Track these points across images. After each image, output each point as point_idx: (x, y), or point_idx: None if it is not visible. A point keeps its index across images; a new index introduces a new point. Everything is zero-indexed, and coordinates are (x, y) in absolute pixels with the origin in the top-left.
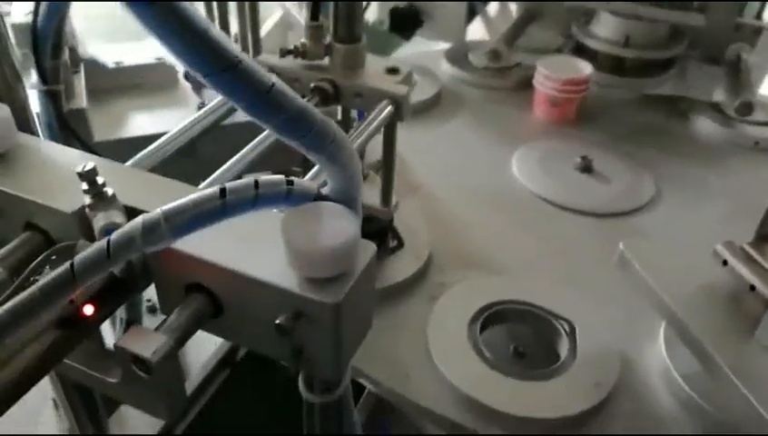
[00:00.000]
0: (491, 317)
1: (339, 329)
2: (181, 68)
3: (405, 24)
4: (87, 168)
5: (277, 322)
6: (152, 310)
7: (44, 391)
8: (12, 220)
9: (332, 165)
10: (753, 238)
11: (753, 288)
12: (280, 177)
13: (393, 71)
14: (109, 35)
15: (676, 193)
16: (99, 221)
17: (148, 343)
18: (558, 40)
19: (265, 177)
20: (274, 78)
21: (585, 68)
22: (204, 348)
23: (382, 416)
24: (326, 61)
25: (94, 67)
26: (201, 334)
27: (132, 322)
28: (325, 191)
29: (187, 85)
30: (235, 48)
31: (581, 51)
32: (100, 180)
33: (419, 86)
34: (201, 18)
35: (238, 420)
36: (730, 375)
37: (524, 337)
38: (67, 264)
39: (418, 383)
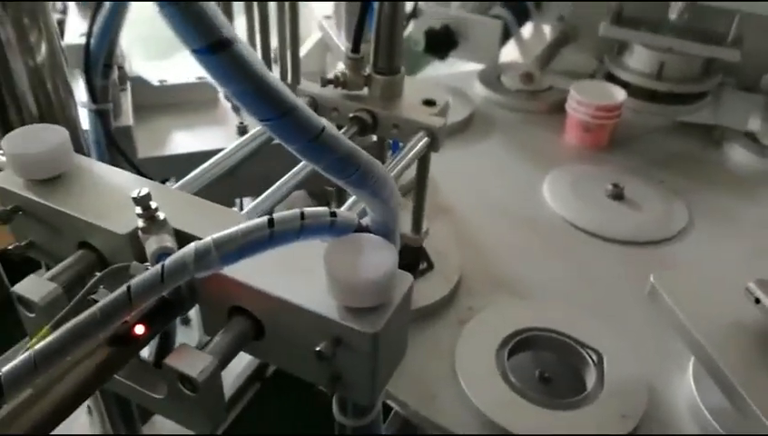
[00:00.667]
0: (519, 344)
1: (377, 357)
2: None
3: (440, 45)
4: (142, 193)
5: (317, 349)
6: (184, 321)
7: None
8: (67, 238)
9: (374, 200)
10: None
11: None
12: (325, 209)
13: (430, 103)
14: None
15: (708, 223)
16: (151, 245)
17: (195, 363)
18: (592, 64)
19: (310, 209)
20: (324, 122)
21: (619, 94)
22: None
23: None
24: (365, 91)
25: (140, 85)
26: None
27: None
28: (365, 222)
29: (227, 105)
30: (291, 95)
31: (613, 78)
32: (153, 205)
33: (452, 107)
34: (261, 66)
35: (266, 433)
36: (759, 415)
37: (551, 364)
38: (124, 288)
39: (444, 406)
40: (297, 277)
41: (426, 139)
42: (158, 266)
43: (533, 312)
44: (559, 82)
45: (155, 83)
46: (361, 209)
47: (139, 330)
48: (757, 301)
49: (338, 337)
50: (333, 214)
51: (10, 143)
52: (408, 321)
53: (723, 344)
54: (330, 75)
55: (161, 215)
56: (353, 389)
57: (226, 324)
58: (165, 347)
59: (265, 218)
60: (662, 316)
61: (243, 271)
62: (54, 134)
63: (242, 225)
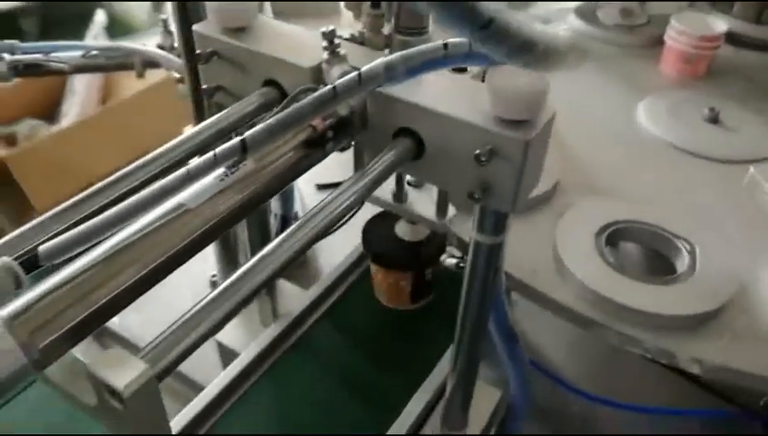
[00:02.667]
0: (615, 233)
1: (524, 165)
2: None
3: None
4: (330, 29)
5: (476, 152)
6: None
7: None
8: (254, 77)
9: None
10: None
11: None
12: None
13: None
14: None
15: None
16: (336, 71)
17: (124, 372)
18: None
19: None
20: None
21: (719, 25)
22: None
23: None
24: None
25: None
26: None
27: (286, 218)
28: None
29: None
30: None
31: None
32: (336, 41)
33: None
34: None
35: (375, 306)
36: None
37: (645, 254)
38: (330, 86)
39: (546, 279)
40: (457, 101)
41: None
42: (356, 73)
43: (628, 208)
44: (657, 16)
45: None
46: None
47: (329, 134)
48: None
49: (493, 147)
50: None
51: None
52: (547, 146)
53: None
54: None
55: (342, 51)
56: (499, 197)
57: (391, 143)
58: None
59: (440, 42)
60: (759, 203)
61: (414, 95)
62: None
63: (422, 46)
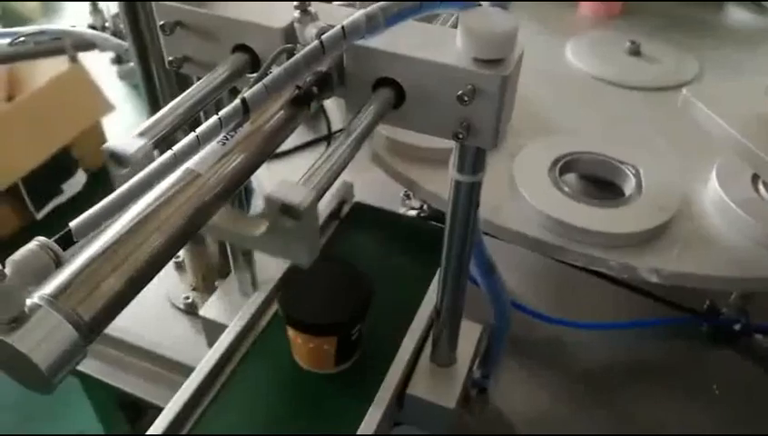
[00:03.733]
0: (566, 165)
1: (503, 101)
2: None
3: None
4: None
5: (459, 93)
6: None
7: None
8: (222, 44)
9: None
10: None
11: None
12: None
13: None
14: None
15: (718, 71)
16: (311, 29)
17: (296, 193)
18: None
19: None
20: None
21: None
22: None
23: None
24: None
25: None
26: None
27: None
28: None
29: None
30: None
31: None
32: None
33: None
34: None
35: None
36: None
37: (594, 183)
38: (317, 41)
39: (509, 213)
40: (433, 48)
41: None
42: (339, 26)
43: (575, 141)
44: None
45: None
46: None
47: (314, 90)
48: None
49: (473, 87)
50: None
51: None
52: (516, 86)
53: (751, 130)
54: None
55: (313, 9)
56: (481, 135)
57: (373, 95)
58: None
59: None
60: (695, 118)
61: (389, 45)
62: None
63: None
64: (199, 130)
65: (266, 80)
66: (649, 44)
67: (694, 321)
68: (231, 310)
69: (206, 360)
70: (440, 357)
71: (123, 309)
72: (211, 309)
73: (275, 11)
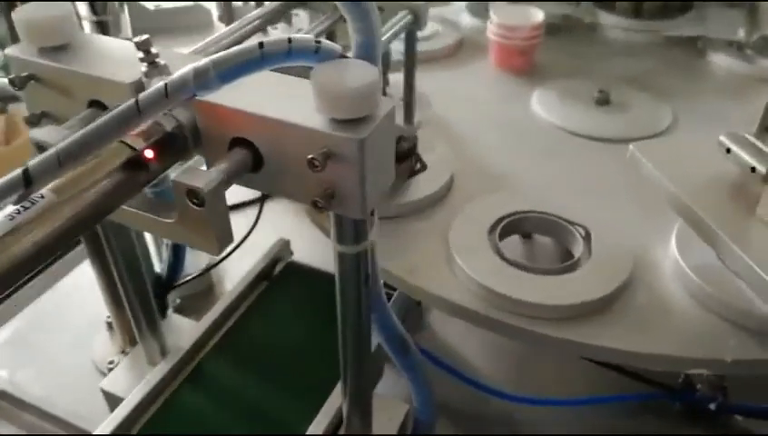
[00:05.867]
0: (511, 224)
1: (364, 166)
2: (216, 11)
3: None
4: (143, 38)
5: (309, 157)
6: None
7: (99, 317)
8: (77, 99)
9: (360, 23)
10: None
11: (753, 170)
12: (311, 36)
13: None
14: None
15: (693, 121)
16: (155, 83)
17: (201, 177)
18: None
19: (297, 35)
20: None
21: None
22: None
23: None
24: None
25: (138, 8)
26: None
27: (177, 246)
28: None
29: (222, 26)
30: None
31: None
32: (154, 50)
33: (442, 34)
34: None
35: (272, 332)
36: (730, 245)
37: (541, 245)
38: (133, 100)
39: (441, 279)
40: (291, 103)
41: (409, 17)
42: (162, 83)
43: (523, 199)
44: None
45: (151, 7)
46: None
47: (149, 154)
48: (728, 151)
49: (329, 150)
50: (318, 41)
51: (21, 12)
52: (392, 147)
53: (697, 192)
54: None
55: (162, 61)
56: (345, 203)
57: (225, 156)
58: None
59: (257, 41)
60: (642, 178)
61: (243, 101)
62: (61, 7)
63: (237, 47)
64: None
65: (58, 147)
66: (621, 92)
67: (666, 397)
68: (135, 381)
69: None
70: None
71: None
72: (112, 382)
73: (128, 64)
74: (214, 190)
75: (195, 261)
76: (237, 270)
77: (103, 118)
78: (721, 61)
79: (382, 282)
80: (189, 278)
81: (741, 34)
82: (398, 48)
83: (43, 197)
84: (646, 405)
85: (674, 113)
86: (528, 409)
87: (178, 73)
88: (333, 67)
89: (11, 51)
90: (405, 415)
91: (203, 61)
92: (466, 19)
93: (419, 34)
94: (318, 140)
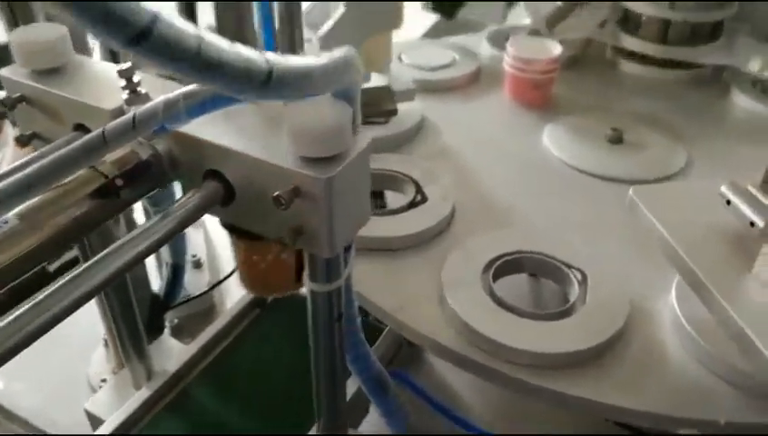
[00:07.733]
0: (506, 265)
1: (332, 204)
2: None
3: (447, 2)
4: (126, 67)
5: (275, 194)
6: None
7: (96, 334)
8: (64, 121)
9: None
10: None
11: (752, 224)
12: None
13: None
14: None
15: (707, 165)
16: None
17: None
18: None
19: None
20: None
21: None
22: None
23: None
24: None
25: None
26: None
27: (177, 266)
28: None
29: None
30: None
31: (625, 21)
32: (136, 79)
33: (460, 64)
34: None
35: (264, 357)
36: (723, 304)
37: (548, 284)
38: (100, 130)
39: (428, 317)
40: (268, 139)
41: None
42: (130, 114)
43: (523, 238)
44: (567, 37)
45: None
46: None
47: (118, 182)
48: (728, 202)
49: (296, 187)
50: None
51: (17, 34)
52: (368, 182)
53: (694, 244)
54: None
55: (143, 90)
56: (314, 241)
57: (199, 187)
58: (174, 284)
59: None
60: (641, 225)
61: (217, 134)
62: (55, 29)
63: None
64: None
65: (20, 175)
66: (635, 131)
67: None
68: (118, 404)
69: None
70: None
71: None
72: (96, 403)
73: (112, 90)
74: None
75: (196, 281)
76: (237, 292)
77: (71, 146)
78: (743, 103)
79: (360, 320)
80: (188, 298)
81: (766, 74)
82: (410, 76)
83: (6, 223)
84: None
85: (688, 155)
86: None
87: (149, 104)
88: (307, 105)
89: (4, 72)
90: None
91: (174, 93)
92: (485, 49)
93: (436, 62)
94: (286, 177)
